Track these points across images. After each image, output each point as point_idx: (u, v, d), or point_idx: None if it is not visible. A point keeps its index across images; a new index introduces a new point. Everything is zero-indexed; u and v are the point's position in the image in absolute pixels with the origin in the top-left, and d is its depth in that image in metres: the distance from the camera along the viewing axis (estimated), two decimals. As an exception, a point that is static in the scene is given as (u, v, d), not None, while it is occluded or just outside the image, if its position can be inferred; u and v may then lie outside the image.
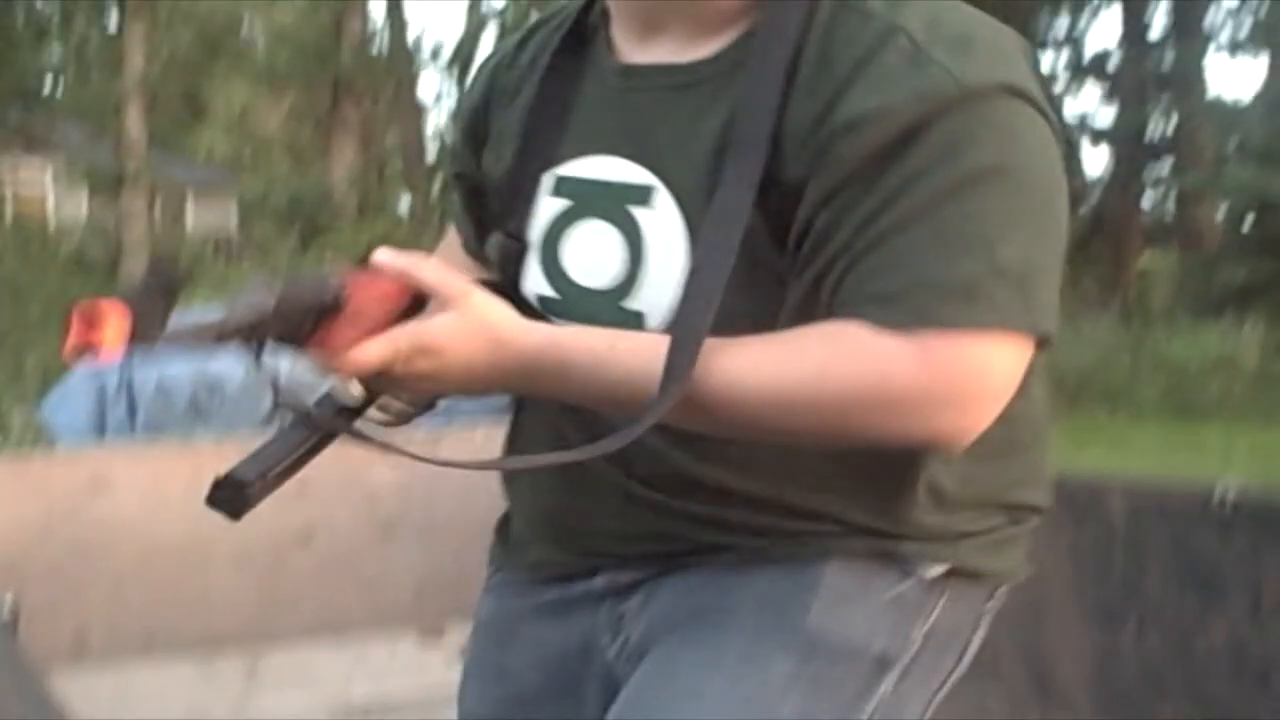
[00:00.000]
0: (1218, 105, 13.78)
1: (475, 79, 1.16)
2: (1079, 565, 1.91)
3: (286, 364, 0.90)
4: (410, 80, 20.30)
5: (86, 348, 0.74)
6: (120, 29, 15.96)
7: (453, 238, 1.21)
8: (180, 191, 20.40)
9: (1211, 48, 14.61)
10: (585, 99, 1.03)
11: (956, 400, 0.87)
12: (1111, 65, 15.04)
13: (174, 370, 4.91)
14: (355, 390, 0.89)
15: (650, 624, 1.02)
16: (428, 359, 0.88)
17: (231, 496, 0.84)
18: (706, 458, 0.96)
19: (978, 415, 0.88)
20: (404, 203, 20.24)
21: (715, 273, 0.90)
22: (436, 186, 18.73)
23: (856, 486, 0.97)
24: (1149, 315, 10.39)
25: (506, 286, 1.02)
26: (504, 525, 1.15)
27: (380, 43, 20.30)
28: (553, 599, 1.08)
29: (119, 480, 2.64)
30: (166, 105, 19.87)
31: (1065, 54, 15.13)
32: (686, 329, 0.89)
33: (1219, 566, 1.73)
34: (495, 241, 1.07)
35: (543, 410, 1.03)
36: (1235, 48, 14.85)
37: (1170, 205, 15.71)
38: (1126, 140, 14.54)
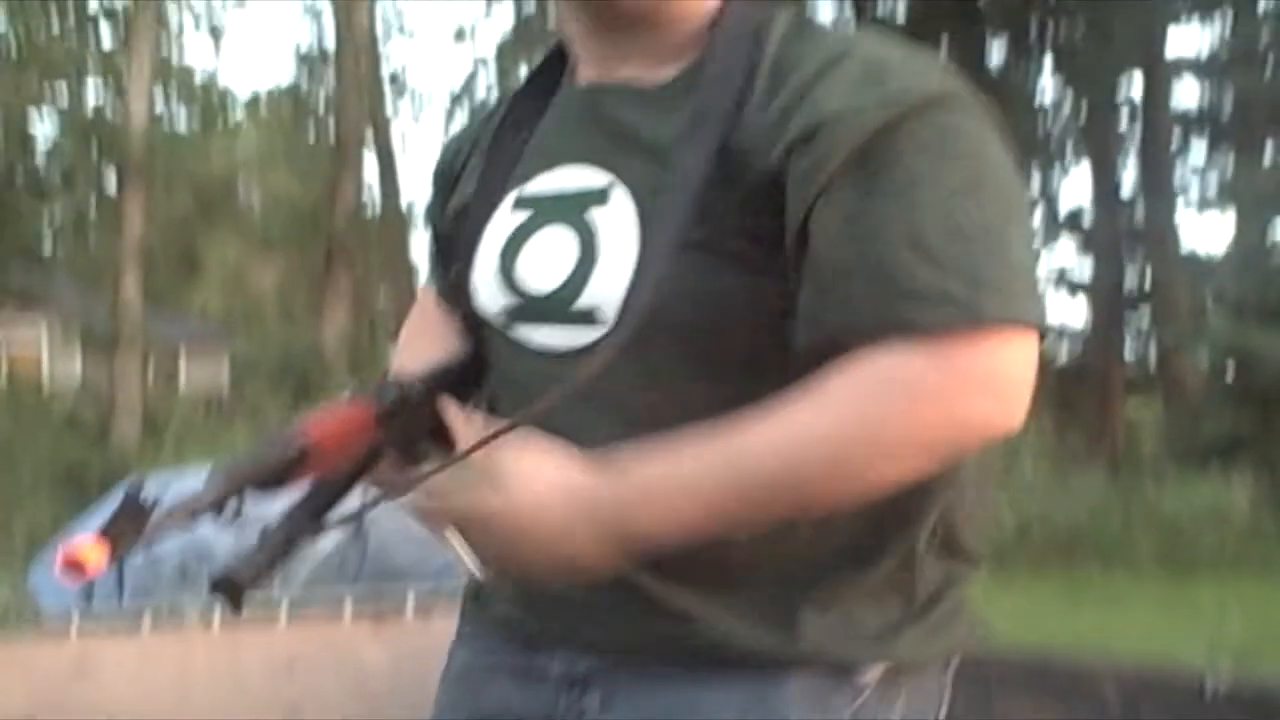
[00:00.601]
0: (1192, 259, 14.09)
1: (460, 134, 1.22)
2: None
3: (277, 507, 0.95)
4: (402, 242, 20.64)
5: (74, 569, 0.82)
6: (119, 192, 16.29)
7: (424, 301, 1.24)
8: (174, 348, 20.52)
9: (1180, 203, 15.01)
10: (548, 123, 1.09)
11: (992, 391, 0.90)
12: (1086, 221, 15.40)
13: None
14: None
15: None
16: (505, 523, 0.92)
17: (230, 591, 0.91)
18: None
19: (1014, 405, 0.91)
20: (395, 359, 20.34)
21: (673, 218, 0.94)
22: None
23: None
24: (1137, 466, 10.40)
25: (468, 368, 1.07)
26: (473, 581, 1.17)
27: (373, 206, 20.74)
28: (519, 664, 1.08)
29: (106, 664, 2.61)
30: (162, 263, 20.14)
31: (1040, 209, 15.52)
32: (647, 269, 0.93)
33: (1211, 752, 1.72)
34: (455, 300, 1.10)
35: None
36: (1204, 204, 15.26)
37: (1152, 356, 15.89)
38: (1105, 293, 14.80)
